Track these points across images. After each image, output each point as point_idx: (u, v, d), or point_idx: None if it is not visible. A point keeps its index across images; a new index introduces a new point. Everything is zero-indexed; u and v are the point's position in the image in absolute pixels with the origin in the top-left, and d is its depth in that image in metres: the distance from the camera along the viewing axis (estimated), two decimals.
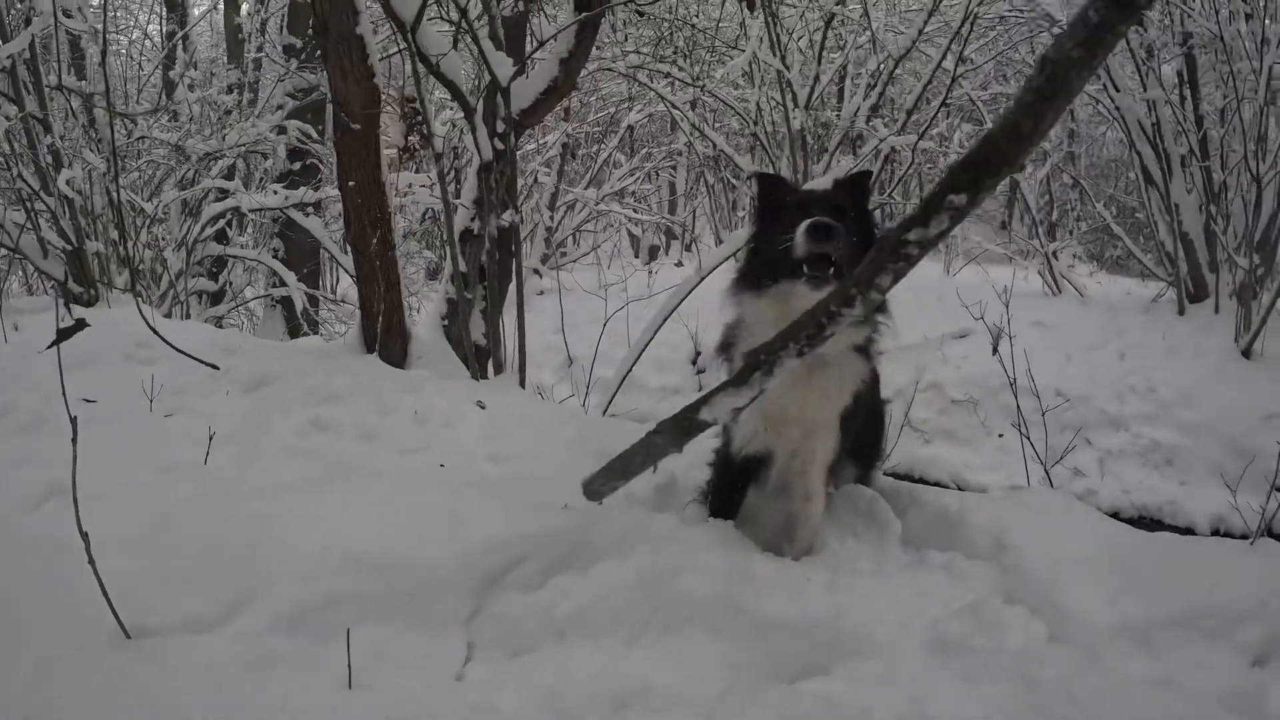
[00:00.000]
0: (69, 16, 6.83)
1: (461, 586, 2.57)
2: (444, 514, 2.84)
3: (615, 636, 2.40)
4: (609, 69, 12.04)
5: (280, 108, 9.74)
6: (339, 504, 2.85)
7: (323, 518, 2.73)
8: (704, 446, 3.19)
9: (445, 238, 5.38)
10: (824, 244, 2.57)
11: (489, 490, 3.16)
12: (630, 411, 8.79)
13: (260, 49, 12.12)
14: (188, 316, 8.49)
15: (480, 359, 5.33)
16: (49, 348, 2.37)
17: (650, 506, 3.26)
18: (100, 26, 7.08)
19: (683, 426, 2.74)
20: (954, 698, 2.20)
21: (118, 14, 16.81)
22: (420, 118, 6.20)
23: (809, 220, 2.58)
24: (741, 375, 2.57)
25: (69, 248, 6.79)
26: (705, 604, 2.46)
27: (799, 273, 2.63)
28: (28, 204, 6.77)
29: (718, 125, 14.74)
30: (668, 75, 11.65)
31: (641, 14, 8.95)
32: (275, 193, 8.55)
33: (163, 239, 8.55)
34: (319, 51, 4.85)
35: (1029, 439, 4.24)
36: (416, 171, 7.31)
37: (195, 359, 4.33)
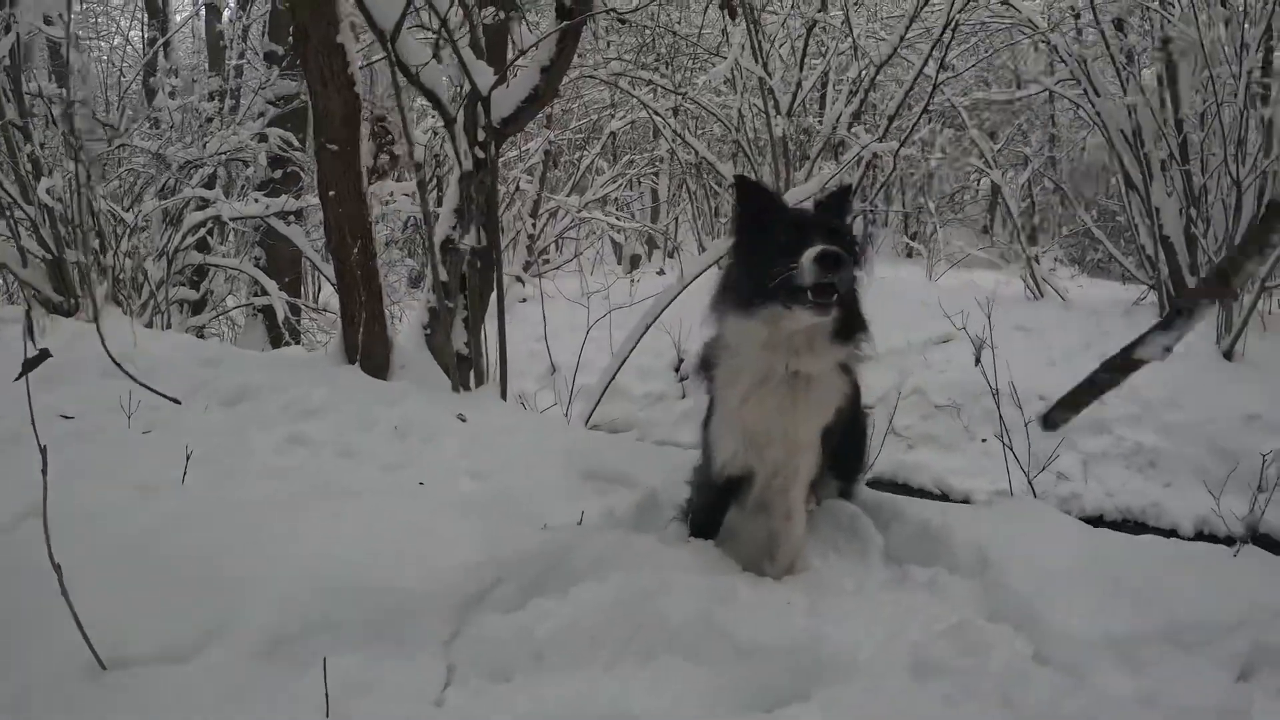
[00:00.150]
0: (49, 24, 6.79)
1: (440, 608, 2.54)
2: (423, 534, 2.81)
3: (594, 660, 2.37)
4: (591, 75, 12.03)
5: (261, 115, 9.73)
6: (317, 525, 2.81)
7: (300, 540, 2.70)
8: (684, 461, 3.16)
9: (426, 246, 5.36)
10: (832, 273, 2.55)
11: (469, 508, 3.13)
12: (613, 421, 8.80)
13: (242, 55, 12.08)
14: (169, 326, 8.43)
15: (462, 368, 5.31)
16: (16, 380, 2.33)
17: (631, 526, 3.24)
18: (74, 30, 7.03)
19: (1120, 365, 3.61)
20: None
21: (99, 20, 16.72)
22: (390, 137, 6.21)
23: (819, 249, 2.54)
24: (1169, 319, 3.28)
25: (49, 256, 6.74)
26: (685, 626, 2.43)
27: (802, 299, 2.59)
28: (7, 212, 6.70)
29: (700, 132, 14.75)
30: (650, 82, 11.65)
31: (623, 21, 8.93)
32: (256, 201, 8.53)
33: (143, 248, 8.49)
34: (299, 59, 4.83)
35: (1011, 449, 4.23)
36: (398, 180, 7.29)
37: (157, 392, 4.25)
